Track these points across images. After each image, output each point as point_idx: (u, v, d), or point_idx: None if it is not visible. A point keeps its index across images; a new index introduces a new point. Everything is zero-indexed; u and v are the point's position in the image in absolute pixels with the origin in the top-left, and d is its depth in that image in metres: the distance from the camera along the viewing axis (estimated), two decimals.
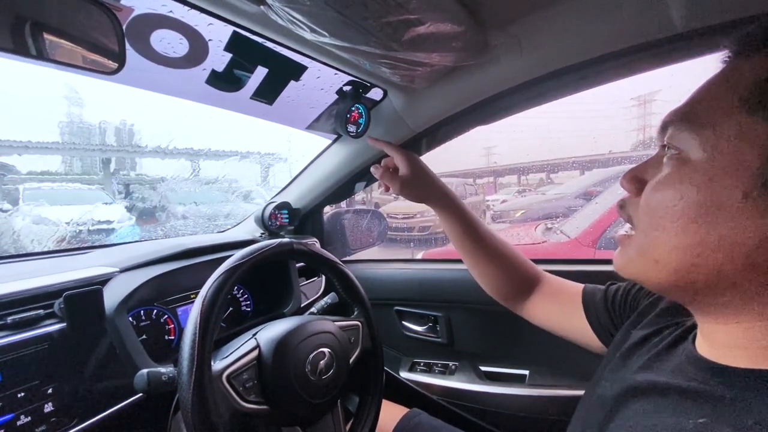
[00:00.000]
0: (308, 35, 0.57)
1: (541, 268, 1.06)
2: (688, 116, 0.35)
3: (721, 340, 0.36)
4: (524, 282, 0.77)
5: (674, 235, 0.34)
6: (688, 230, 0.33)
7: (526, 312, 0.77)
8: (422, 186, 0.77)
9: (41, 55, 0.49)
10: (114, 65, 0.54)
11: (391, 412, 0.94)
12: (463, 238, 0.77)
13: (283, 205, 1.20)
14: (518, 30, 0.70)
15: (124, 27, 0.54)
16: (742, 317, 0.34)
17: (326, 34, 0.56)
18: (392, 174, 0.78)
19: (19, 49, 0.48)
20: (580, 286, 0.69)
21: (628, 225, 0.43)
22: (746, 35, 0.34)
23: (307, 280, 1.16)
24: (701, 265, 0.33)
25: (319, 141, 1.16)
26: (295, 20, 0.53)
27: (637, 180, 0.41)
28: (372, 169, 0.82)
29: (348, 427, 0.75)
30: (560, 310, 0.71)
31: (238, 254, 0.63)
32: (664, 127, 0.39)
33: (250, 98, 0.85)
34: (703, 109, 0.34)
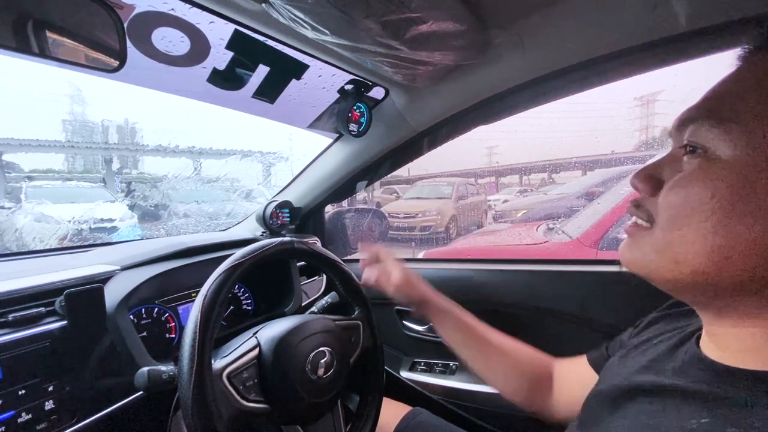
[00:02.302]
0: (310, 33, 0.57)
1: (542, 268, 1.07)
2: (713, 113, 0.34)
3: (730, 344, 0.35)
4: (538, 373, 0.70)
5: (702, 236, 0.32)
6: (719, 231, 0.31)
7: (557, 410, 0.68)
8: (415, 291, 0.77)
9: (43, 52, 0.49)
10: (115, 63, 0.54)
11: (393, 411, 0.94)
12: (465, 341, 0.75)
13: (285, 204, 1.20)
14: (521, 29, 0.70)
15: (125, 25, 0.54)
16: (760, 321, 0.33)
17: (328, 32, 0.56)
18: (386, 279, 0.77)
19: (22, 47, 0.48)
20: (582, 358, 0.65)
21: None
22: None
23: (307, 279, 1.16)
24: (730, 268, 0.31)
25: (321, 140, 1.16)
26: (296, 18, 0.53)
27: (652, 179, 0.38)
28: (365, 278, 0.80)
29: (348, 426, 0.75)
30: (581, 390, 0.59)
31: (238, 253, 0.63)
32: (682, 125, 0.37)
33: (252, 97, 0.85)
34: (730, 105, 0.33)
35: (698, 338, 0.40)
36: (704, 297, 0.35)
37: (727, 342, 0.35)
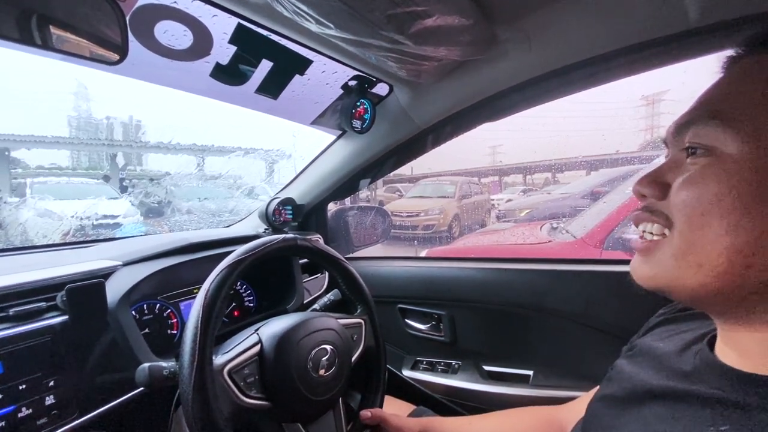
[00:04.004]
0: (314, 27, 0.56)
1: (546, 267, 1.06)
2: (716, 113, 0.34)
3: (751, 349, 0.34)
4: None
5: (724, 233, 0.31)
6: (741, 226, 0.31)
7: None
8: None
9: (45, 44, 0.48)
10: (116, 56, 0.53)
11: (395, 410, 0.93)
12: None
13: (287, 201, 1.19)
14: (527, 25, 0.69)
15: (127, 17, 0.53)
16: None
17: (332, 26, 0.55)
18: None
19: (24, 38, 0.47)
20: (586, 397, 0.60)
21: (650, 227, 0.38)
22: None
23: (310, 276, 1.16)
24: (756, 266, 0.30)
25: (324, 137, 1.15)
26: (300, 11, 0.53)
27: (657, 183, 0.38)
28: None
29: (350, 425, 0.74)
30: None
31: (241, 249, 0.63)
32: (681, 129, 0.37)
33: (255, 92, 0.84)
34: (732, 104, 0.33)
35: (710, 341, 0.39)
36: (728, 303, 0.34)
37: (747, 347, 0.34)
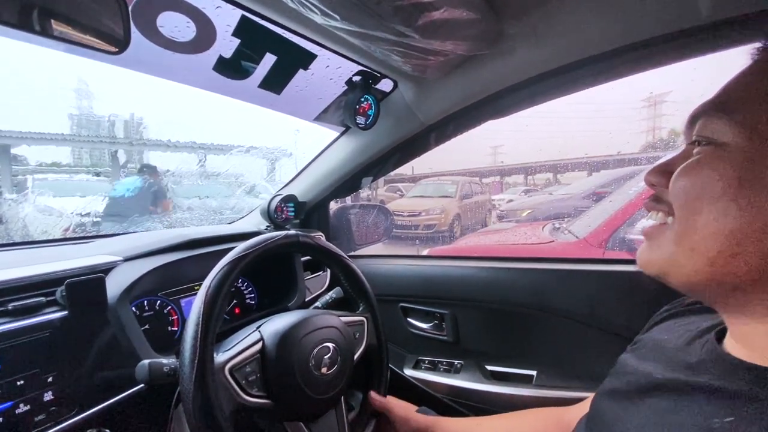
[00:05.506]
0: (319, 19, 0.55)
1: (550, 267, 1.05)
2: (722, 106, 0.35)
3: (759, 342, 0.34)
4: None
5: (713, 219, 0.32)
6: (730, 213, 0.31)
7: None
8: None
9: (45, 32, 0.47)
10: (118, 47, 0.52)
11: None
12: None
13: (289, 198, 1.19)
14: (535, 19, 0.68)
15: (129, 7, 0.52)
16: None
17: (337, 17, 0.54)
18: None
19: (24, 26, 0.46)
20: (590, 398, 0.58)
21: (655, 215, 0.41)
22: None
23: (312, 274, 1.15)
24: (744, 254, 0.31)
25: (327, 134, 1.14)
26: (305, 2, 0.52)
27: (666, 173, 0.39)
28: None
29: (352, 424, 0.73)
30: None
31: (242, 245, 0.62)
32: (692, 121, 0.38)
33: (258, 87, 0.83)
34: (738, 98, 0.34)
35: (717, 334, 0.39)
36: (722, 291, 0.35)
37: (753, 340, 0.34)
